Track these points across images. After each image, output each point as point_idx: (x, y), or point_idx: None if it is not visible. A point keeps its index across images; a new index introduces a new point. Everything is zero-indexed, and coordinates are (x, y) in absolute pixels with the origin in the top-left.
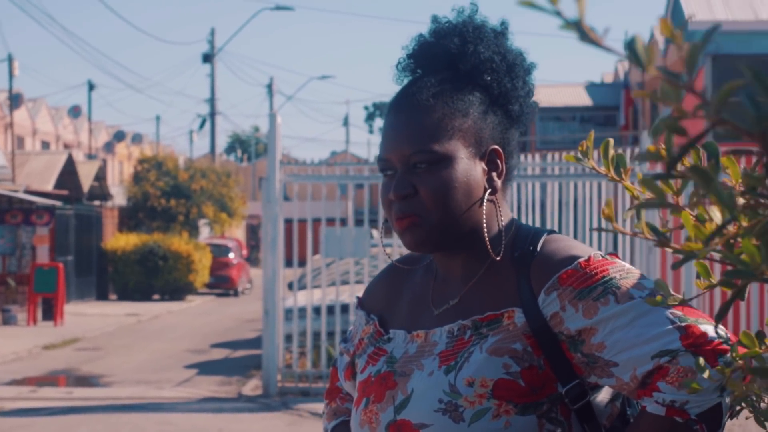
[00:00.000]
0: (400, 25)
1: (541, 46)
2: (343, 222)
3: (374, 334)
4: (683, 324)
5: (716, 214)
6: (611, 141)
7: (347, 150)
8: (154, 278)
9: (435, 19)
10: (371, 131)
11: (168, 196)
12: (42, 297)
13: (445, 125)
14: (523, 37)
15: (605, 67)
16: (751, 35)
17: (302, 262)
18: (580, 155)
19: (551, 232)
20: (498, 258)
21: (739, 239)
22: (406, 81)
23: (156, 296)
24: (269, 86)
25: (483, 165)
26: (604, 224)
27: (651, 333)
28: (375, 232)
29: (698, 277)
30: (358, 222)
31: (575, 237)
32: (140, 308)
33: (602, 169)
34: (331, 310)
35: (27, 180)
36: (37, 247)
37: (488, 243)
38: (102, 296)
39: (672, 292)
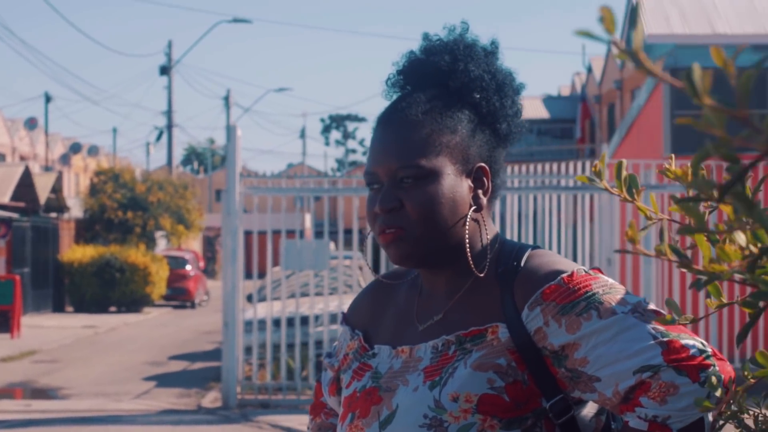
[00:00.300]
0: (357, 38)
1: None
2: (301, 234)
3: (359, 350)
4: (665, 339)
5: (741, 237)
6: (625, 162)
7: (304, 162)
8: (110, 290)
9: (426, 36)
10: (327, 143)
11: (125, 209)
12: None
13: (433, 141)
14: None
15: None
16: (708, 49)
17: (262, 274)
18: (593, 176)
19: (535, 247)
20: (482, 274)
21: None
22: (395, 97)
23: (113, 308)
24: (226, 98)
25: (469, 182)
26: (626, 245)
27: (633, 348)
28: (332, 245)
29: (708, 296)
30: (318, 234)
31: None
32: (97, 320)
33: (615, 190)
34: (290, 322)
35: None
36: None
37: (471, 259)
38: (59, 308)
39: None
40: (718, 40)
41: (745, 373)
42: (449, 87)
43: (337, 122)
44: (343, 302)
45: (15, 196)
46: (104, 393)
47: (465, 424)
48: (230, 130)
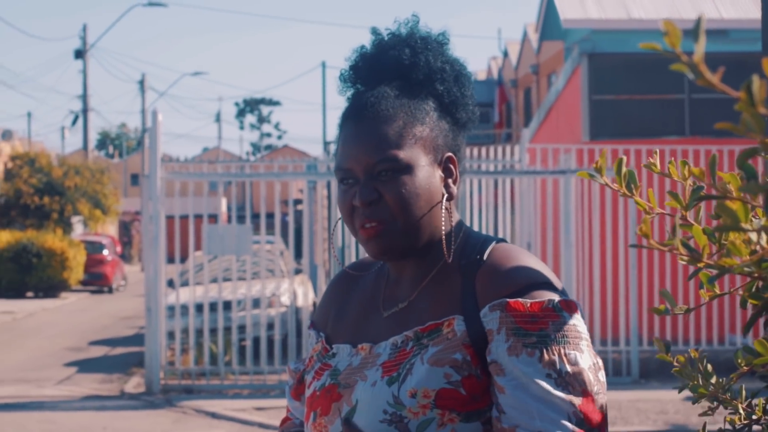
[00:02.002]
0: (272, 21)
1: None
2: (214, 218)
3: (322, 351)
4: (573, 426)
5: (752, 233)
6: (624, 159)
7: (219, 146)
8: (27, 276)
9: (375, 31)
10: (242, 128)
11: (41, 194)
12: None
13: (406, 133)
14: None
15: (478, 64)
16: (625, 34)
17: (183, 259)
18: (594, 172)
19: (500, 240)
20: (449, 261)
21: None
22: (349, 93)
23: (30, 294)
24: (141, 82)
25: (440, 172)
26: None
27: (546, 413)
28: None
29: (701, 287)
30: (240, 219)
31: None
32: (14, 306)
33: (615, 186)
34: (213, 306)
35: None
36: None
37: (445, 248)
38: None
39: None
40: (633, 26)
41: (739, 360)
42: (411, 79)
43: (251, 106)
44: (265, 287)
45: None
46: (25, 379)
47: (425, 419)
48: (152, 116)
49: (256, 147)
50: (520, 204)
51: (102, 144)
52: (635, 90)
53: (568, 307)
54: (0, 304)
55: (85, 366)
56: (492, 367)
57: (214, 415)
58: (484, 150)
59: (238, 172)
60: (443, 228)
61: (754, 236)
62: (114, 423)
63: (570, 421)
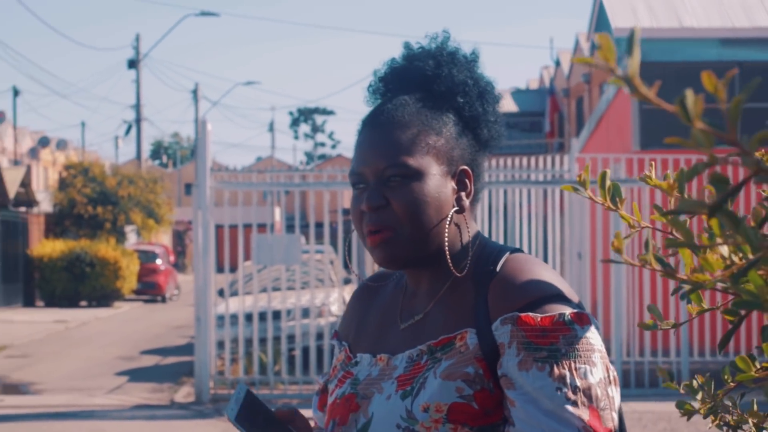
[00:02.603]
0: (324, 32)
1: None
2: (272, 228)
3: (345, 360)
4: None
5: (723, 248)
6: (608, 172)
7: (272, 155)
8: (81, 285)
9: (407, 45)
10: (296, 137)
11: (95, 203)
12: None
13: (419, 141)
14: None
15: (530, 73)
16: (675, 43)
17: (234, 268)
18: (578, 186)
19: (515, 250)
20: (461, 275)
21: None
22: (376, 103)
23: (83, 303)
24: (194, 92)
25: (453, 184)
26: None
27: (555, 429)
28: (302, 238)
29: (689, 302)
30: (289, 228)
31: (504, 244)
32: (68, 315)
33: (599, 199)
34: (262, 316)
35: None
36: None
37: (449, 260)
38: (29, 303)
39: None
40: (685, 34)
41: (725, 376)
42: (433, 91)
43: (305, 115)
44: (314, 296)
45: None
46: (77, 388)
47: None
48: (201, 125)
49: (309, 156)
50: (569, 214)
51: (156, 153)
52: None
53: (579, 320)
54: (53, 313)
55: (136, 375)
56: (503, 380)
57: None
58: (533, 160)
59: (288, 182)
60: (446, 240)
61: (725, 251)
62: None
63: None
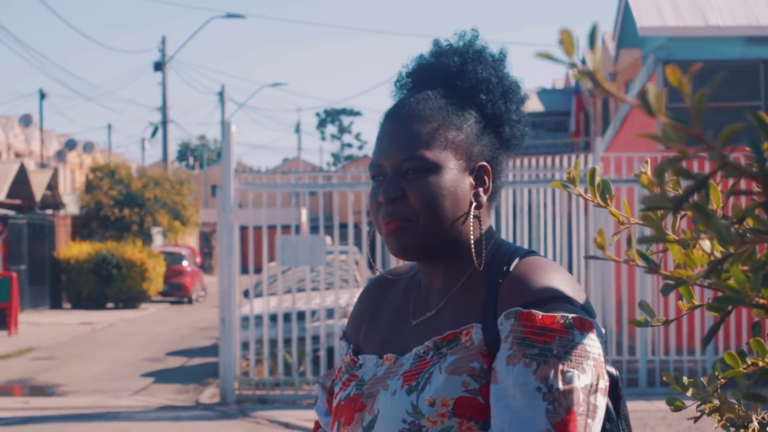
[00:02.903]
0: (350, 33)
1: None
2: (288, 229)
3: (350, 363)
4: None
5: (705, 243)
6: (598, 168)
7: (299, 157)
8: (107, 287)
9: (436, 42)
10: (323, 138)
11: (121, 205)
12: None
13: (438, 136)
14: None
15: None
16: (701, 41)
17: (258, 270)
18: (567, 182)
19: (529, 253)
20: (481, 268)
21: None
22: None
23: (110, 305)
24: (221, 94)
25: (471, 180)
26: (593, 250)
27: (516, 428)
28: (328, 239)
29: (681, 298)
30: (315, 229)
31: (529, 243)
32: (94, 317)
33: (588, 196)
34: (287, 317)
35: None
36: None
37: (474, 253)
38: (56, 305)
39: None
40: (711, 33)
41: (716, 372)
42: (457, 87)
43: (332, 116)
44: (339, 297)
45: (11, 194)
46: (102, 389)
47: (443, 428)
48: (225, 127)
49: (336, 157)
50: (594, 213)
51: (182, 155)
52: (711, 97)
53: (581, 325)
54: (80, 315)
55: (161, 376)
56: (492, 373)
57: (287, 425)
58: (557, 159)
59: (312, 183)
60: (472, 235)
61: (707, 246)
62: None
63: None
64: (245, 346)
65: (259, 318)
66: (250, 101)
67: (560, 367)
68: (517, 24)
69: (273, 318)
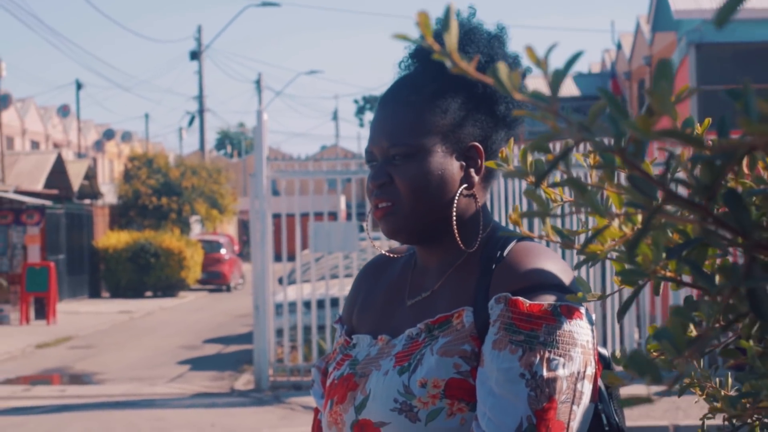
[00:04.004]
0: (387, 19)
1: (528, 37)
2: (332, 216)
3: (344, 344)
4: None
5: (615, 220)
6: (568, 149)
7: (337, 144)
8: (146, 275)
9: (437, 21)
10: (362, 125)
11: (159, 194)
12: (34, 296)
13: (423, 121)
14: (511, 30)
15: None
16: (734, 24)
17: (291, 257)
18: (500, 161)
19: (524, 238)
20: (471, 250)
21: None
22: None
23: (148, 293)
24: (257, 82)
25: (461, 161)
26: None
27: (500, 417)
28: (365, 225)
29: (617, 274)
30: (347, 216)
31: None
32: (133, 305)
33: (521, 174)
34: (321, 304)
35: (17, 180)
36: (28, 246)
37: (458, 236)
38: (95, 294)
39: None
40: (744, 15)
41: (649, 348)
42: (445, 69)
43: (371, 103)
44: None
45: (48, 184)
46: (139, 377)
47: (434, 409)
48: (257, 115)
49: None
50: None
51: (221, 144)
52: (754, 79)
53: (569, 312)
54: (118, 303)
55: (198, 364)
56: (480, 358)
57: None
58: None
59: (345, 170)
60: (455, 215)
61: (616, 222)
62: (222, 420)
63: (521, 425)
64: (279, 333)
65: (293, 305)
66: (287, 89)
67: (546, 354)
68: (552, 8)
69: (307, 305)
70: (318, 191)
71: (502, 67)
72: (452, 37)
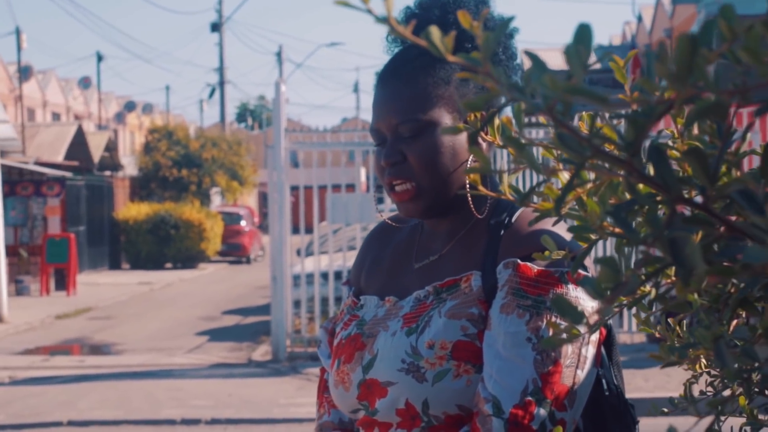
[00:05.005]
0: None
1: (550, 9)
2: (351, 188)
3: (351, 305)
4: (529, 397)
5: (564, 176)
6: (496, 111)
7: (358, 116)
8: (166, 247)
9: None
10: None
11: (179, 166)
12: (54, 267)
13: (428, 94)
14: (532, 1)
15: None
16: None
17: (309, 229)
18: (469, 125)
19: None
20: (481, 216)
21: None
22: (395, 52)
23: (168, 265)
24: (278, 54)
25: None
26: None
27: (507, 380)
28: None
29: (568, 229)
30: (367, 188)
31: None
32: (153, 277)
33: (489, 137)
34: (338, 275)
35: (37, 152)
36: (49, 218)
37: (471, 204)
38: (115, 266)
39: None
40: None
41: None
42: None
43: None
44: None
45: (69, 155)
46: (157, 348)
47: (441, 370)
48: (276, 87)
49: None
50: None
51: (242, 116)
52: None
53: (578, 275)
54: (139, 275)
55: (216, 335)
56: (488, 322)
57: None
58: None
59: (363, 141)
60: (468, 184)
61: (565, 179)
62: (239, 390)
63: (527, 388)
64: (297, 304)
65: (310, 276)
66: (307, 61)
67: (553, 319)
68: None
69: (324, 276)
70: (336, 163)
71: (434, 31)
72: (389, 3)
